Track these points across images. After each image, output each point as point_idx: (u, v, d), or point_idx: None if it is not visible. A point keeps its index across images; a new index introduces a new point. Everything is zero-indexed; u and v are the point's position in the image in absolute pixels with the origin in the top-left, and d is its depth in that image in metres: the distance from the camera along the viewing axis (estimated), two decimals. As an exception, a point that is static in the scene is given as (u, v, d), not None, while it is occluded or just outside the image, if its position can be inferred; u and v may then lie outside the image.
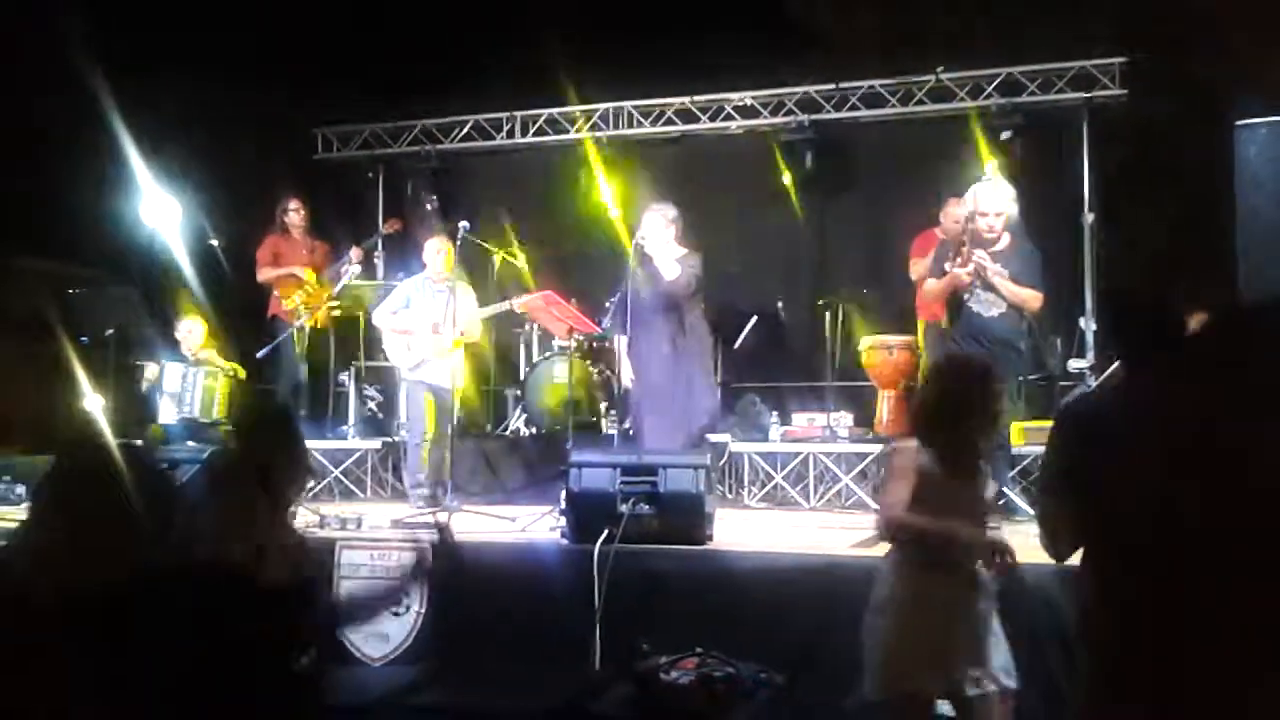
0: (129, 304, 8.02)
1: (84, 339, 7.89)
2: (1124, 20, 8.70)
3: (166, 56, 8.43)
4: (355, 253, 8.73)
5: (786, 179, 9.55)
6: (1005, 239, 6.18)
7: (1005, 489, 5.95)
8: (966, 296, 6.11)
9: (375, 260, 10.19)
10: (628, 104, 10.13)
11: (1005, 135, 8.82)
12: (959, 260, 6.09)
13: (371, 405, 9.22)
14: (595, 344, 8.38)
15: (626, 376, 7.04)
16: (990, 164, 8.31)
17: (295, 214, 8.89)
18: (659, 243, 6.66)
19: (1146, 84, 8.59)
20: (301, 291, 8.63)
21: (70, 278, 8.43)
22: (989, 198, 6.18)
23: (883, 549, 5.54)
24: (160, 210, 8.75)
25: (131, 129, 8.32)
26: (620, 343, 7.10)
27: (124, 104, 8.20)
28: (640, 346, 6.71)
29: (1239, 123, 5.85)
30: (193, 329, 8.19)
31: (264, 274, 8.78)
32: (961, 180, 7.50)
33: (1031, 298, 6.18)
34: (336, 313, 8.75)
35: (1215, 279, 6.78)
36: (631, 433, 6.88)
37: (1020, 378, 6.63)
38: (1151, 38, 8.34)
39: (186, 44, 8.64)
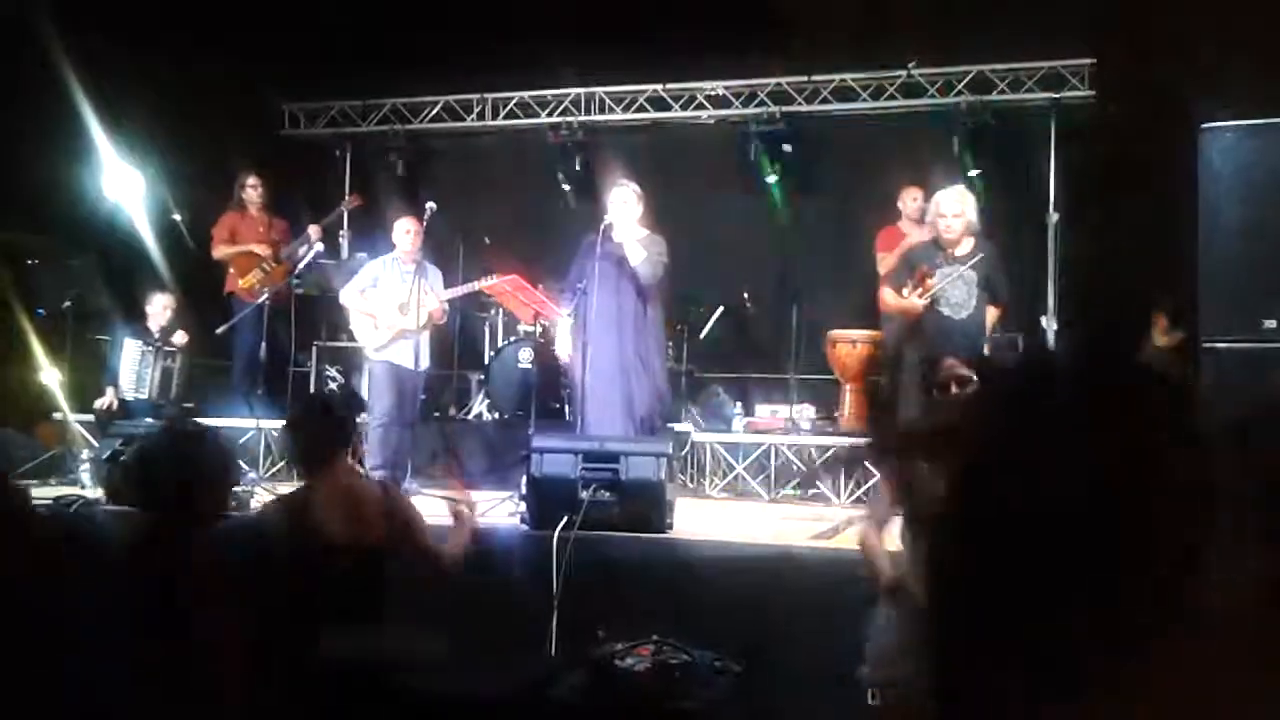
0: (87, 276, 7.91)
1: (41, 311, 7.79)
2: (1094, 22, 8.76)
3: (134, 27, 8.32)
4: (314, 230, 8.60)
5: (756, 170, 9.55)
6: (969, 243, 6.33)
7: None
8: (936, 300, 6.22)
9: (340, 239, 10.10)
10: (599, 90, 10.10)
11: (972, 133, 8.87)
12: (918, 291, 6.23)
13: (332, 386, 9.15)
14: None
15: (564, 352, 7.00)
16: (964, 168, 8.41)
17: (253, 190, 8.72)
18: (624, 221, 6.63)
19: (1114, 85, 8.65)
20: (258, 269, 8.52)
21: (28, 249, 8.31)
22: (949, 202, 6.36)
23: (840, 541, 5.57)
24: (122, 183, 8.62)
25: (95, 100, 8.20)
26: (563, 322, 7.04)
27: (88, 75, 8.08)
28: (597, 328, 6.65)
29: (1204, 126, 5.90)
30: (165, 306, 8.09)
31: (219, 251, 8.65)
32: (928, 176, 7.55)
33: (996, 312, 6.51)
34: (299, 291, 8.66)
35: (1177, 280, 6.86)
36: (574, 413, 6.82)
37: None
38: (1120, 40, 8.40)
39: (155, 14, 8.52)
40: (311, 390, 8.65)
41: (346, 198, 9.63)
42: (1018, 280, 8.80)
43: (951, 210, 6.29)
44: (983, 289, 6.26)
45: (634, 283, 6.60)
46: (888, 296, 6.55)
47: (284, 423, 3.86)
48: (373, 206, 9.56)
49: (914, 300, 6.25)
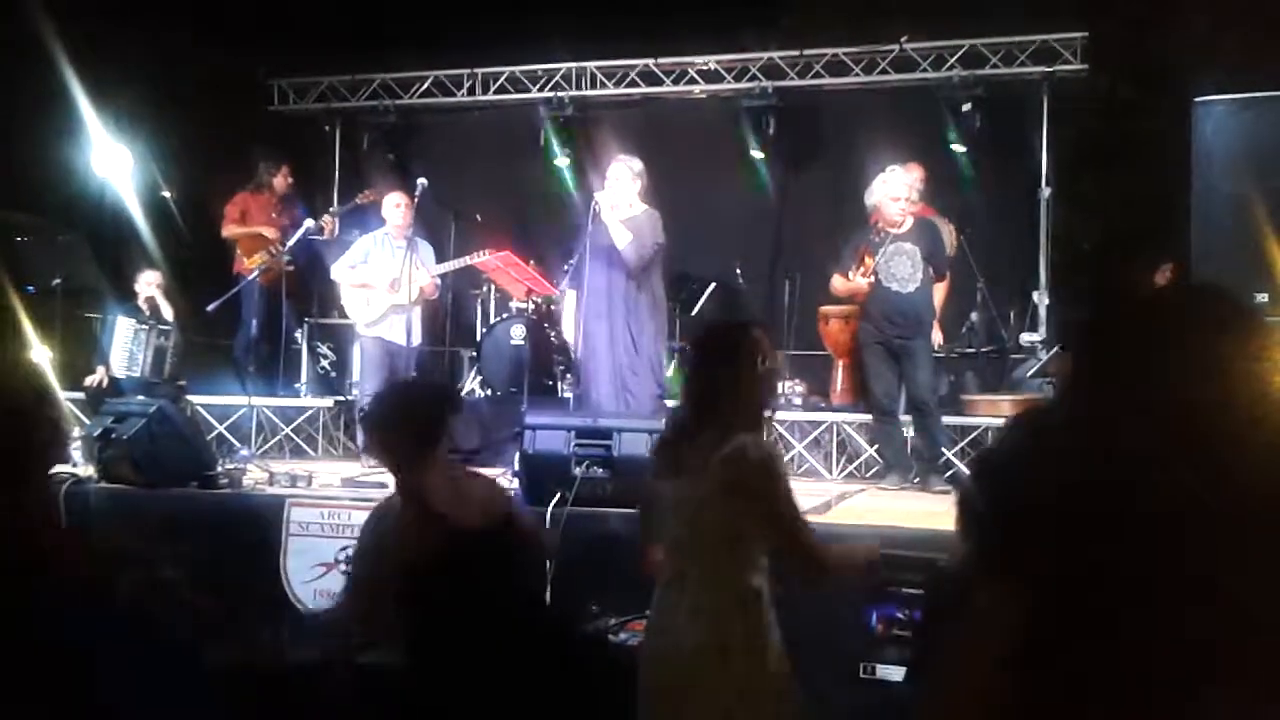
0: (77, 253, 7.87)
1: (30, 288, 7.75)
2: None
3: (121, 2, 8.25)
4: (327, 220, 8.64)
5: (748, 145, 9.52)
6: (908, 221, 6.49)
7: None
8: (881, 276, 6.38)
9: (336, 220, 10.06)
10: (590, 64, 10.04)
11: (965, 108, 8.85)
12: (860, 270, 6.41)
13: (324, 363, 9.13)
14: (552, 306, 8.34)
15: (569, 332, 7.04)
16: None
17: (284, 180, 8.75)
18: (615, 199, 6.61)
19: (1107, 60, 8.63)
20: (265, 251, 8.48)
21: (17, 226, 8.26)
22: (898, 184, 6.49)
23: (832, 516, 5.57)
24: (111, 160, 8.57)
25: (83, 76, 8.14)
26: (569, 298, 7.07)
27: (76, 51, 8.02)
28: (592, 307, 6.67)
29: (1197, 99, 5.90)
30: (149, 282, 8.06)
31: (229, 230, 8.61)
32: (923, 151, 7.54)
33: (943, 288, 6.81)
34: (290, 269, 8.62)
35: (1170, 255, 6.87)
36: (578, 394, 6.86)
37: (936, 353, 6.96)
38: (1113, 14, 8.38)
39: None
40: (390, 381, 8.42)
41: (361, 193, 9.45)
42: (1011, 254, 8.88)
43: (903, 194, 6.43)
44: (927, 262, 6.39)
45: (623, 262, 6.60)
46: (836, 282, 6.69)
47: (364, 419, 3.54)
48: (362, 182, 9.51)
49: (858, 281, 6.42)
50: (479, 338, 8.75)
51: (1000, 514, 1.01)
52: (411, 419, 3.32)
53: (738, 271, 9.10)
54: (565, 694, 3.08)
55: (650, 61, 9.90)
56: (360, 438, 6.72)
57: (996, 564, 0.97)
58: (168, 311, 8.01)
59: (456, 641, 3.18)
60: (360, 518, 4.87)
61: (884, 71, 9.41)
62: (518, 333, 8.14)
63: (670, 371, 7.30)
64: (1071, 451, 0.83)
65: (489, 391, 8.54)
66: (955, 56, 9.11)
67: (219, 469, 6.22)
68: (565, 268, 7.85)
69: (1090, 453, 0.81)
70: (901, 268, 6.37)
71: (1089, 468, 0.81)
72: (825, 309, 8.14)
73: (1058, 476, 0.84)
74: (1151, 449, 0.77)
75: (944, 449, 6.61)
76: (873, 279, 6.39)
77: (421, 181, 7.48)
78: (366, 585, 3.28)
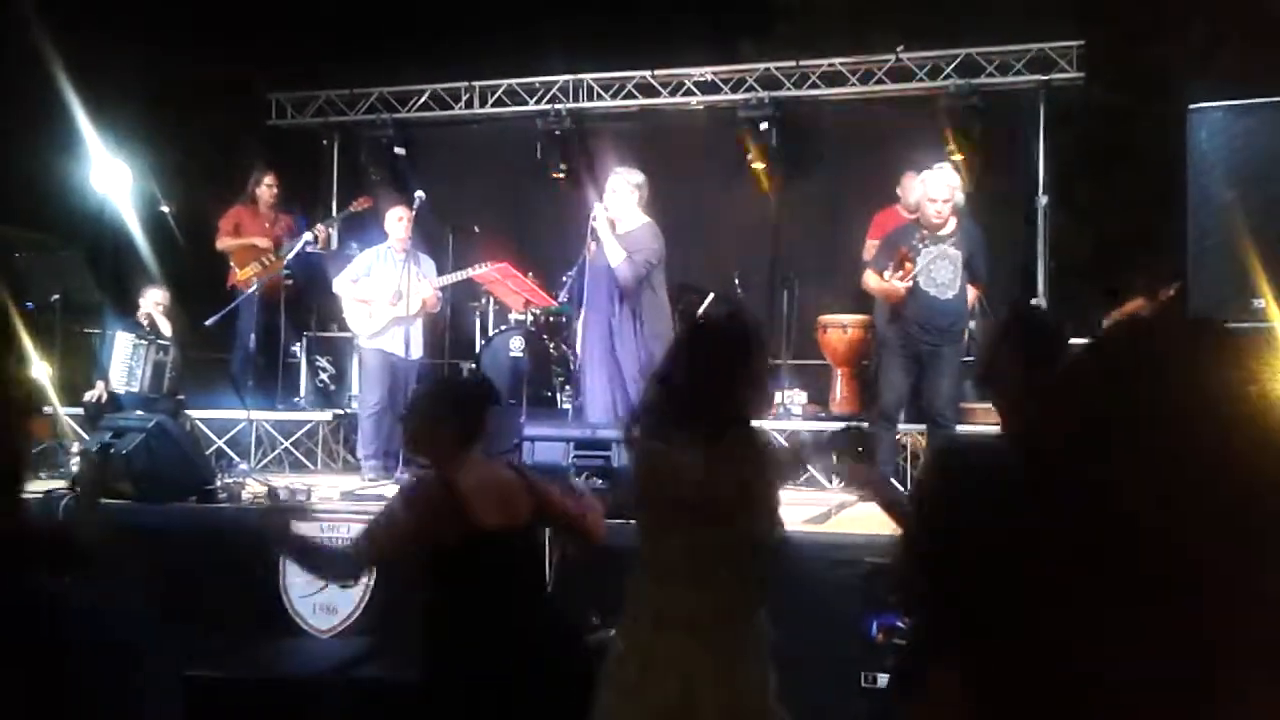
0: (76, 269, 7.88)
1: (29, 304, 7.76)
2: (1082, 4, 8.76)
3: (120, 17, 8.28)
4: (320, 229, 8.63)
5: (746, 155, 9.54)
6: (951, 222, 6.26)
7: None
8: (920, 280, 6.16)
9: (330, 230, 10.06)
10: (587, 77, 10.06)
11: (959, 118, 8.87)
12: (899, 274, 6.15)
13: (323, 376, 9.13)
14: (551, 318, 8.33)
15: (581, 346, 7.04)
16: (947, 149, 8.40)
17: (268, 189, 8.73)
18: (620, 209, 6.61)
19: (1103, 68, 8.66)
20: (257, 262, 8.49)
21: (16, 242, 8.28)
22: (937, 185, 6.26)
23: (832, 525, 5.56)
24: (110, 175, 8.59)
25: (82, 92, 8.17)
26: (582, 317, 7.07)
27: (75, 67, 8.05)
28: (591, 320, 6.68)
29: (1192, 107, 5.91)
30: (156, 302, 8.08)
31: (223, 243, 8.62)
32: (918, 160, 7.54)
33: (982, 290, 6.56)
34: (289, 282, 8.63)
35: (1166, 262, 6.87)
36: (577, 405, 6.86)
37: (969, 359, 6.77)
38: (1109, 22, 8.42)
39: (141, 6, 8.49)
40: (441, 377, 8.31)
41: (354, 200, 9.47)
42: (1009, 262, 8.88)
43: (941, 195, 6.20)
44: (967, 268, 6.20)
45: (620, 276, 6.59)
46: (870, 280, 6.43)
47: (411, 410, 3.67)
48: (361, 196, 9.52)
49: (895, 283, 6.17)
50: (478, 350, 8.75)
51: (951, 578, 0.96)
52: (454, 414, 3.43)
53: (736, 281, 9.09)
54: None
55: (647, 73, 9.93)
56: (402, 432, 6.75)
57: (951, 635, 0.93)
58: (166, 327, 8.03)
59: (471, 645, 3.23)
60: (359, 530, 4.88)
61: (880, 81, 9.42)
62: (516, 344, 8.13)
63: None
64: (1026, 496, 0.80)
65: (488, 403, 8.52)
66: (951, 66, 9.13)
67: (218, 483, 6.22)
68: (564, 279, 7.84)
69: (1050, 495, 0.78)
70: (943, 272, 6.14)
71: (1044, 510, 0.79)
72: (824, 318, 8.15)
73: (1009, 523, 0.82)
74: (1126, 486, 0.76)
75: None
76: (911, 283, 6.13)
77: (419, 194, 7.49)
78: (382, 535, 3.34)
